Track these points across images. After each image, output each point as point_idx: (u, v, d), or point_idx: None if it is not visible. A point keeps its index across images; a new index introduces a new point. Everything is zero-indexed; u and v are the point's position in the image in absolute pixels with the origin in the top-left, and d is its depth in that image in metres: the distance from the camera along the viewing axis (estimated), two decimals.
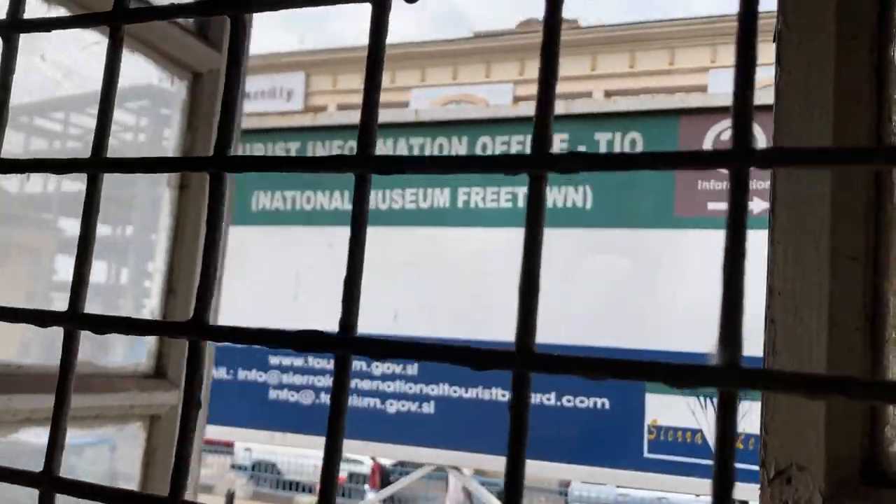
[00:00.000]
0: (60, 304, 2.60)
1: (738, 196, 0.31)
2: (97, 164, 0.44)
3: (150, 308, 1.51)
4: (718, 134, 3.99)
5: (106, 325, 0.40)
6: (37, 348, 1.45)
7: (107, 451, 1.46)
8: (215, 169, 0.41)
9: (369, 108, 0.37)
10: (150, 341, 1.50)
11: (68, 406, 0.42)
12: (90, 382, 1.34)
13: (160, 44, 1.41)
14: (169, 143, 1.53)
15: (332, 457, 0.36)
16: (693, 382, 0.30)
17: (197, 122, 1.54)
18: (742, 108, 0.31)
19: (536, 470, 4.23)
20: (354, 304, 0.37)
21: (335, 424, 0.36)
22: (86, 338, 1.63)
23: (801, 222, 0.80)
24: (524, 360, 0.33)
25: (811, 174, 0.81)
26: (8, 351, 1.34)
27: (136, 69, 1.45)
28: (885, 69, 0.79)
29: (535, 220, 0.34)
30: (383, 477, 12.94)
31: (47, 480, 0.38)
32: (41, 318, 0.41)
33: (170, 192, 1.52)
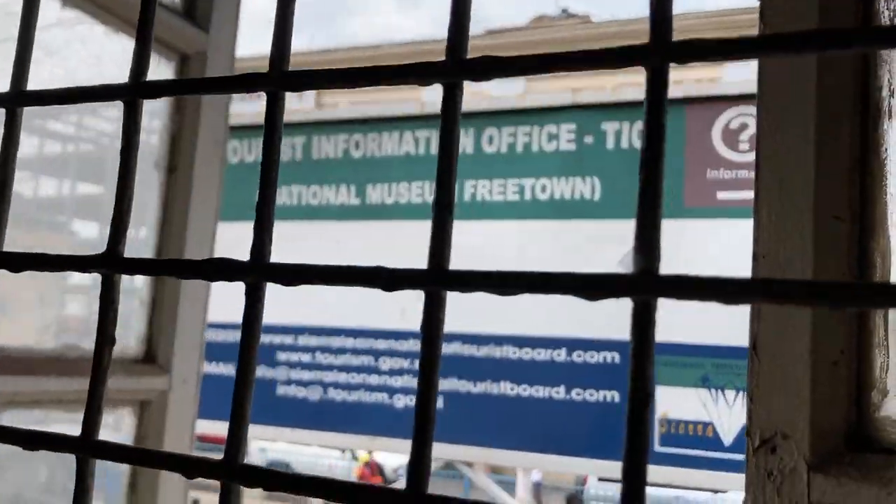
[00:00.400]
0: (75, 305, 2.60)
1: (655, 94, 0.28)
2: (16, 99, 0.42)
3: (139, 293, 1.50)
4: (727, 122, 3.94)
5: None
6: (20, 332, 1.44)
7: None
8: (130, 97, 0.38)
9: None
10: (140, 326, 1.48)
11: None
12: (76, 366, 1.33)
13: None
14: (156, 125, 1.52)
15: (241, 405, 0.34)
16: (608, 293, 0.28)
17: (185, 104, 1.52)
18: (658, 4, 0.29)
19: (546, 464, 4.20)
20: (266, 233, 0.34)
21: (245, 356, 0.34)
22: (73, 320, 1.62)
23: (784, 183, 0.78)
24: (437, 277, 0.31)
25: (795, 133, 0.78)
26: None
27: (122, 50, 1.43)
28: None
29: (449, 130, 0.31)
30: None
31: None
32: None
33: (158, 174, 1.50)
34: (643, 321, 0.27)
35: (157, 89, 0.38)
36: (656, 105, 0.28)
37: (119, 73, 1.74)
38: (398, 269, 0.31)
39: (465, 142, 4.40)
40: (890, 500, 0.67)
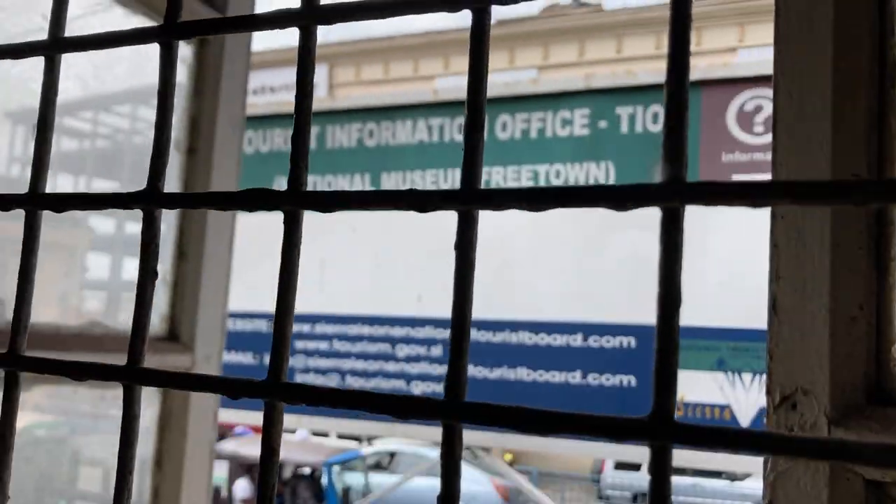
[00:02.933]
0: (94, 301, 2.62)
1: (682, 9, 0.29)
2: (56, 46, 0.44)
3: (161, 272, 1.52)
4: (742, 104, 3.92)
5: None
6: (46, 310, 1.46)
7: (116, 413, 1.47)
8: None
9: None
10: (163, 305, 1.51)
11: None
12: (102, 343, 1.35)
13: (161, 5, 1.41)
14: (176, 107, 1.53)
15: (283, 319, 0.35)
16: (637, 202, 0.29)
17: (204, 87, 1.54)
18: None
19: (564, 449, 4.21)
20: (302, 161, 0.36)
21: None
22: (95, 299, 1.66)
23: (802, 143, 0.78)
24: (469, 197, 0.32)
25: (813, 93, 0.78)
26: None
27: None
28: None
29: (478, 55, 0.32)
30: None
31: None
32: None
33: (178, 156, 1.52)
34: (672, 228, 0.28)
35: (191, 30, 0.39)
36: (682, 16, 0.29)
37: (135, 55, 1.76)
38: (430, 190, 0.32)
39: None
40: None
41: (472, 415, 0.30)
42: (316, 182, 4.72)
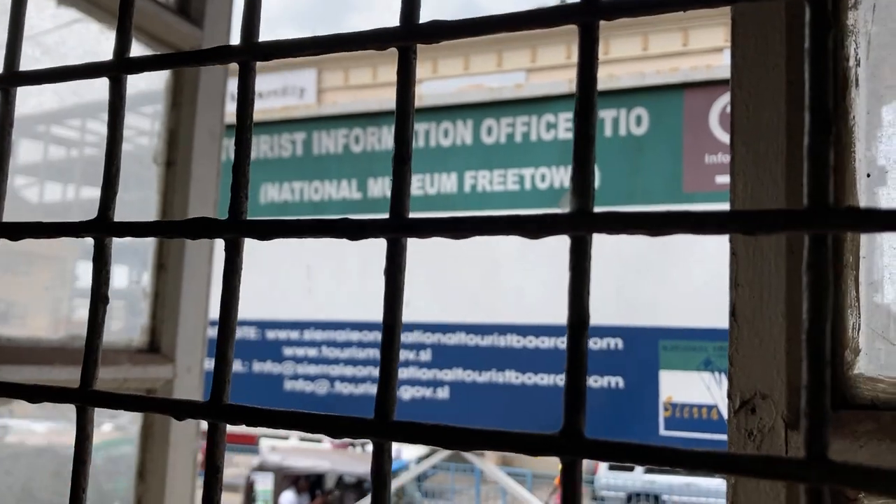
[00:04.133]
0: (85, 311, 2.63)
1: (587, 52, 0.31)
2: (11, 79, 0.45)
3: (141, 284, 1.53)
4: (724, 106, 3.95)
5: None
6: (28, 325, 1.47)
7: (107, 426, 1.48)
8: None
9: None
10: (143, 317, 1.52)
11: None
12: (80, 356, 1.36)
13: (140, 21, 1.42)
14: (154, 122, 1.55)
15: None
16: (547, 230, 0.31)
17: (181, 99, 1.55)
18: None
19: None
20: (242, 192, 0.37)
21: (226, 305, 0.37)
22: (81, 309, 1.65)
23: (758, 155, 0.80)
24: (398, 225, 0.33)
25: (767, 107, 0.80)
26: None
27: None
28: None
29: (404, 92, 0.34)
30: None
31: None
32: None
33: (157, 169, 1.53)
34: (580, 254, 0.30)
35: (139, 65, 0.41)
36: (588, 62, 0.31)
37: None
38: (362, 219, 0.34)
39: (464, 133, 4.43)
40: (861, 452, 0.70)
41: (399, 433, 0.32)
42: (303, 188, 4.73)
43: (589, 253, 0.30)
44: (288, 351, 4.63)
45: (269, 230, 0.36)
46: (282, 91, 17.65)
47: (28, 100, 1.73)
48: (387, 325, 0.33)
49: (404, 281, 0.34)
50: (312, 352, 4.60)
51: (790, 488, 0.76)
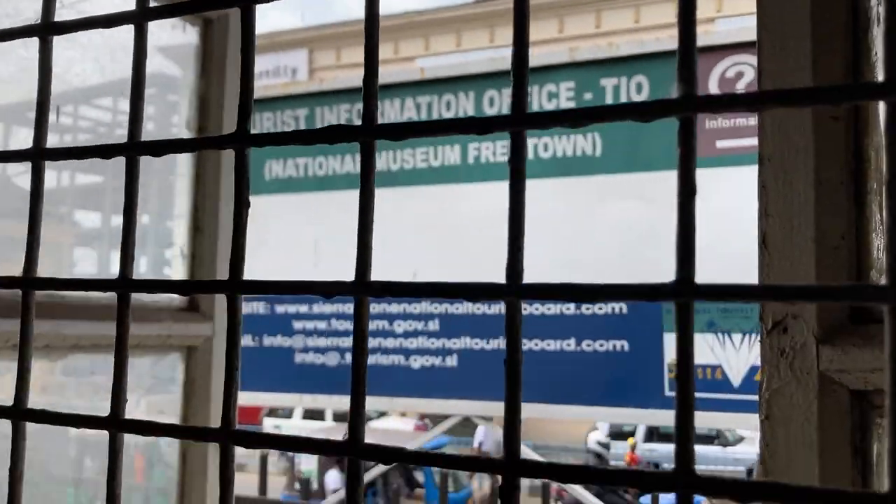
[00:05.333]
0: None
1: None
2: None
3: (179, 246, 1.58)
4: (724, 71, 4.00)
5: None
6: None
7: (147, 380, 1.54)
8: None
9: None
10: (182, 277, 1.57)
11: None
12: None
13: None
14: (184, 89, 1.59)
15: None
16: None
17: (210, 67, 1.60)
18: None
19: (559, 413, 4.31)
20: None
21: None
22: (145, 256, 1.73)
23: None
24: (362, 289, 0.39)
25: (794, 46, 0.86)
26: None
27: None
28: None
29: (367, 185, 0.39)
30: None
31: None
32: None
33: (189, 134, 1.58)
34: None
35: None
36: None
37: (110, 47, 1.82)
38: (328, 281, 0.40)
39: (466, 104, 4.46)
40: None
41: (372, 454, 0.39)
42: (307, 164, 4.77)
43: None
44: (297, 325, 4.70)
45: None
46: (274, 72, 17.60)
47: (19, 87, 1.77)
48: (355, 368, 0.39)
49: (367, 339, 0.40)
50: (322, 325, 4.66)
51: (821, 399, 0.82)
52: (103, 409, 0.49)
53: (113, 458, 0.47)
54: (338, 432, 9.83)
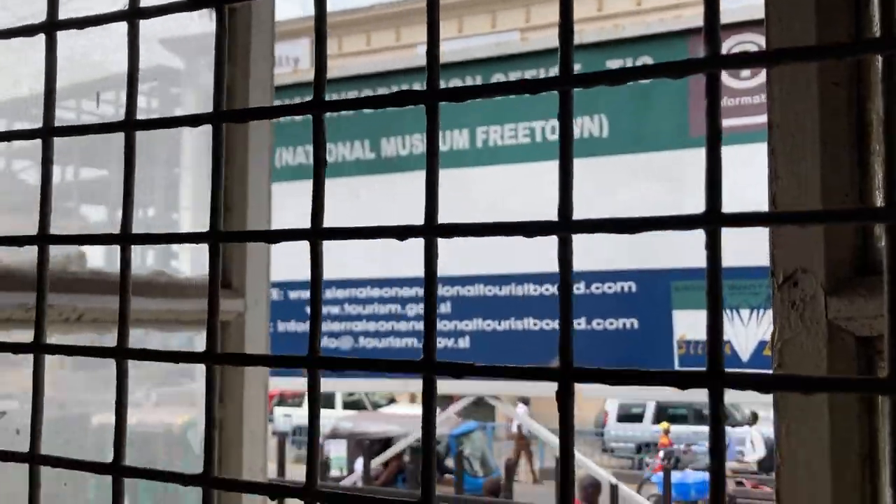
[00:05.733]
0: (154, 250, 2.74)
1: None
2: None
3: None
4: (728, 51, 4.04)
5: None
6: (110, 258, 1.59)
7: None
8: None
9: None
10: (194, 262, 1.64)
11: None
12: (166, 289, 1.49)
13: None
14: (209, 76, 1.66)
15: None
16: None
17: (235, 52, 1.66)
18: None
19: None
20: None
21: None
22: (153, 250, 1.81)
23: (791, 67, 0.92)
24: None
25: (800, 23, 0.92)
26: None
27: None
28: None
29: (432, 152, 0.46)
30: None
31: (122, 351, 0.52)
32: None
33: None
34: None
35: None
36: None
37: (112, 40, 1.88)
38: (401, 225, 0.46)
39: None
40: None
41: (445, 369, 0.45)
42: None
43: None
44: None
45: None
46: (276, 62, 17.62)
47: (22, 83, 1.83)
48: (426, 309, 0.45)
49: (438, 279, 0.46)
50: (335, 309, 4.74)
51: (830, 346, 0.88)
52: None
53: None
54: (347, 421, 9.91)
